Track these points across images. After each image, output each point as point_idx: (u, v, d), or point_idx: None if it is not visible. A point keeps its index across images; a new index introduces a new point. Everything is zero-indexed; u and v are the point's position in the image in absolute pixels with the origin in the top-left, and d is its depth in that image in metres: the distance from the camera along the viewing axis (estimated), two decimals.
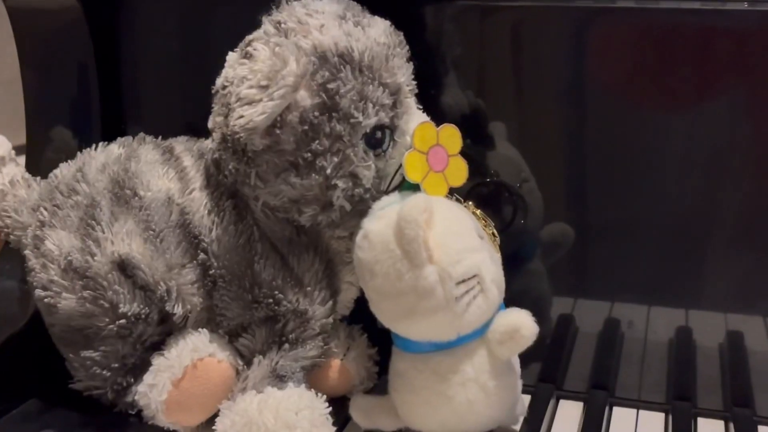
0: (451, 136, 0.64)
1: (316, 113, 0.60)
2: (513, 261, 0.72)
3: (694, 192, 0.71)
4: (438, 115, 0.68)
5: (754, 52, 0.67)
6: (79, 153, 0.72)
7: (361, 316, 0.69)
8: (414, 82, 0.66)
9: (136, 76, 0.81)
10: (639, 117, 0.70)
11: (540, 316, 0.69)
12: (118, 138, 0.72)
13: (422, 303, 0.60)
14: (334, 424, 0.65)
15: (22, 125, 0.88)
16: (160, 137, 0.73)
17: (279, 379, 0.65)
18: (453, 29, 0.72)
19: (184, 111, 0.80)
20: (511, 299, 0.66)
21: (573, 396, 0.74)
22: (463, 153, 0.66)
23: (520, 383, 0.67)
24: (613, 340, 0.74)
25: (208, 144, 0.68)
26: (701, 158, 0.70)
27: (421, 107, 0.67)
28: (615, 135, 0.71)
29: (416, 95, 0.67)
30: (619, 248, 0.73)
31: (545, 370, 0.75)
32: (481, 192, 0.73)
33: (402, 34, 0.65)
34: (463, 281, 0.60)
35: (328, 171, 0.61)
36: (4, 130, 0.77)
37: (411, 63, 0.65)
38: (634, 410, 0.73)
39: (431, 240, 0.59)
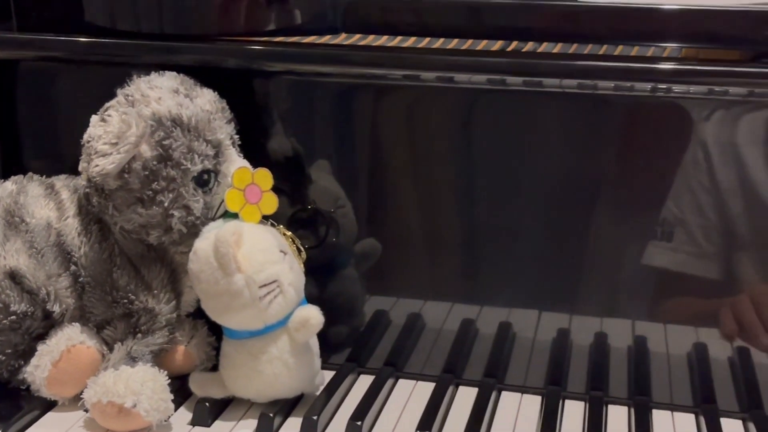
0: (264, 176, 0.77)
1: (155, 162, 0.73)
2: (330, 268, 0.85)
3: (482, 213, 0.82)
4: (266, 159, 0.80)
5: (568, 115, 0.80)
6: None
7: (204, 312, 0.80)
8: (236, 136, 0.79)
9: (29, 129, 0.91)
10: (428, 159, 0.83)
11: (353, 311, 0.83)
12: (12, 176, 0.83)
13: (234, 301, 0.73)
14: (180, 396, 0.76)
15: None
16: (44, 176, 0.83)
17: (132, 360, 0.76)
18: (276, 94, 0.84)
19: (66, 156, 0.88)
20: (329, 298, 0.80)
21: (370, 372, 0.85)
22: (278, 188, 0.78)
23: (318, 361, 0.78)
24: (411, 328, 0.86)
25: (81, 181, 0.79)
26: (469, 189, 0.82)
27: (242, 155, 0.79)
28: (412, 171, 0.83)
29: (248, 144, 0.80)
30: (420, 257, 0.84)
31: (353, 352, 0.87)
32: (301, 216, 0.85)
33: (225, 101, 0.79)
34: (265, 285, 0.73)
35: (166, 204, 0.74)
36: None
37: (232, 123, 0.79)
38: (414, 381, 0.84)
39: (240, 255, 0.73)
